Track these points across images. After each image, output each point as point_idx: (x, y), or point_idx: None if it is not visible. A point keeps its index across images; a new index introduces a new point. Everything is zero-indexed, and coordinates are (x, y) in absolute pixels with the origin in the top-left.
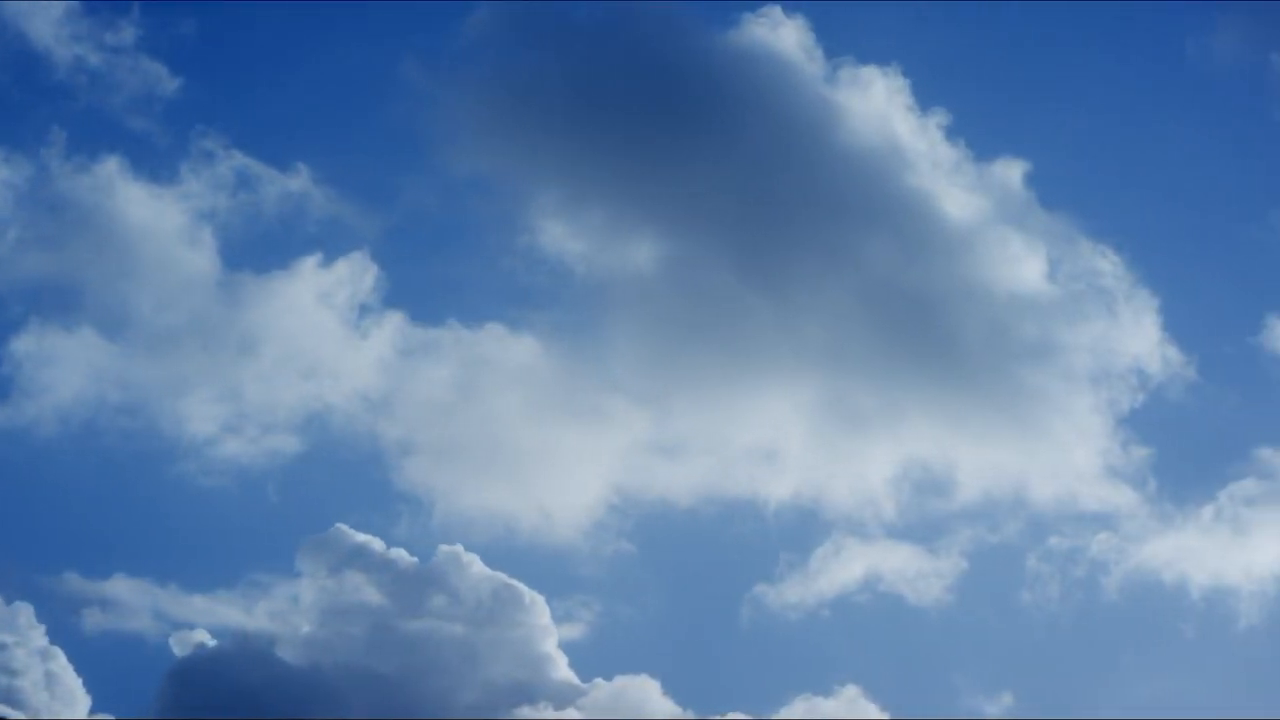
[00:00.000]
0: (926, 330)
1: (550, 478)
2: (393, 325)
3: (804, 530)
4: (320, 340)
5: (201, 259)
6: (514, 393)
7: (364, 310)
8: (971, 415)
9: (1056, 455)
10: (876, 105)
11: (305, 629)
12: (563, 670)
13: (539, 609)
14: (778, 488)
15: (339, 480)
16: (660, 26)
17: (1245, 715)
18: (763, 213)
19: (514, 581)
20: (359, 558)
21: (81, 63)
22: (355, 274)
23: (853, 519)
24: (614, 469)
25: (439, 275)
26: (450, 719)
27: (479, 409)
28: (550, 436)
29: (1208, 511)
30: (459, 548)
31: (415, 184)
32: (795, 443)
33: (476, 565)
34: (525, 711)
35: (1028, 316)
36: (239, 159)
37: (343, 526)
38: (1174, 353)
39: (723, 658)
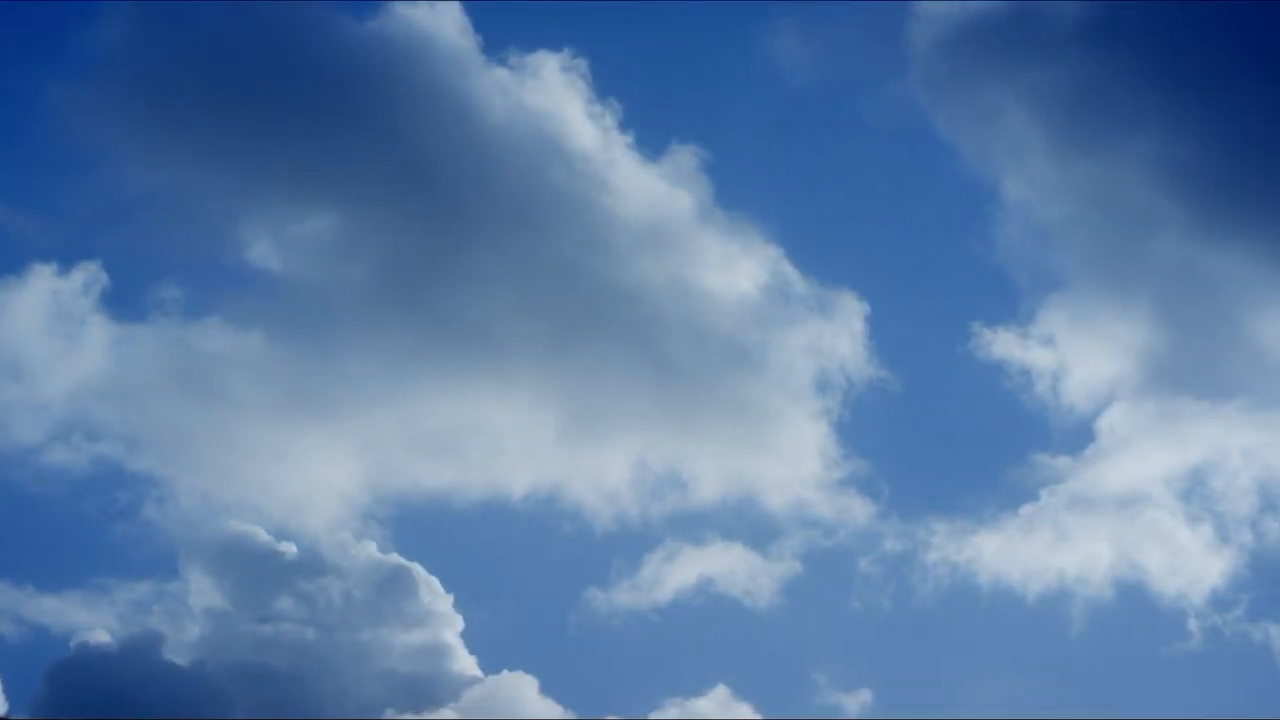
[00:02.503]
0: (633, 329)
1: (295, 473)
2: (106, 329)
3: (551, 523)
4: (33, 347)
5: None
6: (246, 389)
7: (69, 317)
8: (695, 419)
9: (783, 462)
10: (547, 94)
11: (190, 627)
12: (462, 662)
13: (438, 596)
14: (519, 482)
15: (85, 485)
16: (305, 15)
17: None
18: (446, 206)
19: (412, 564)
20: (242, 551)
21: None
22: (52, 282)
23: (597, 517)
24: (361, 463)
25: (137, 276)
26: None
27: (213, 405)
28: (290, 432)
29: (1008, 518)
30: (348, 534)
31: (85, 191)
32: (539, 439)
33: (369, 551)
34: (428, 711)
35: (733, 319)
36: None
37: (226, 521)
38: (884, 360)
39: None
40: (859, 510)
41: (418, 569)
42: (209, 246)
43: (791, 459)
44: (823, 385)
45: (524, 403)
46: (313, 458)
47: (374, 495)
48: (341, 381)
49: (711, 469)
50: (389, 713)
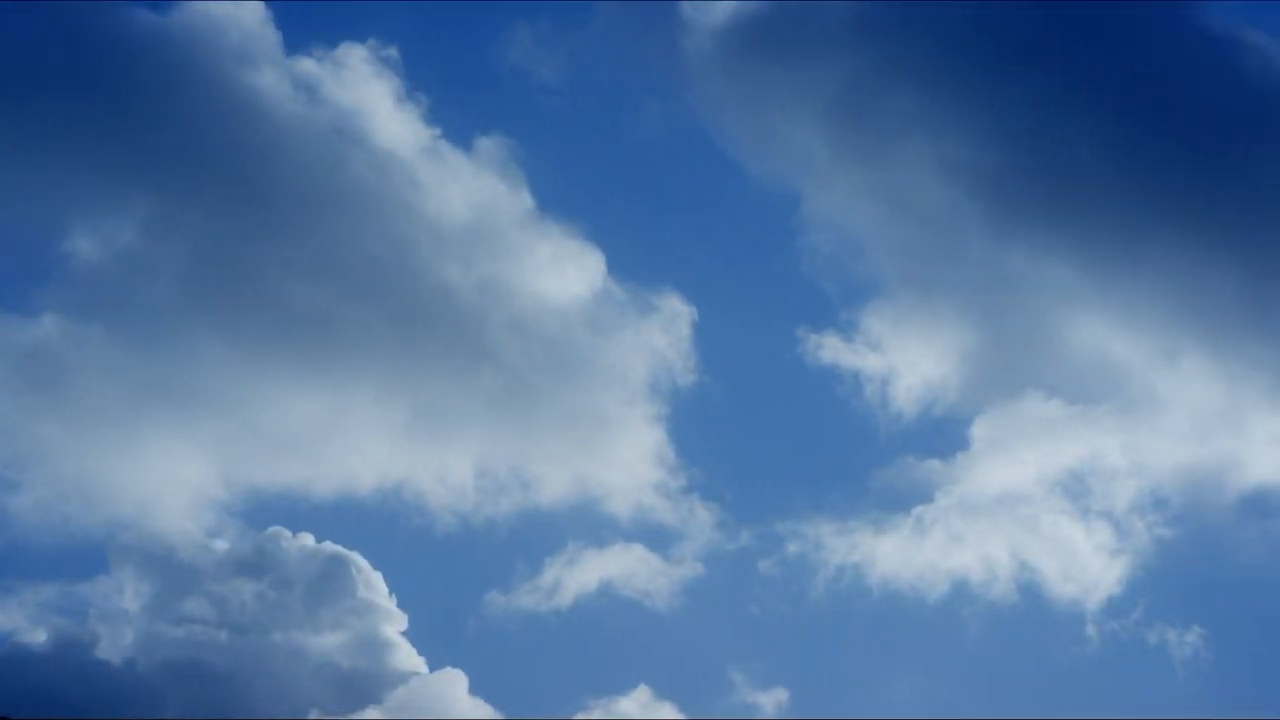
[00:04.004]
0: (462, 328)
1: (146, 469)
2: None
3: (403, 519)
4: None
5: None
6: (88, 385)
7: None
8: (532, 421)
9: (621, 466)
10: (354, 88)
11: (124, 626)
12: (402, 657)
13: (377, 588)
14: (365, 481)
15: None
16: (102, 11)
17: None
18: (249, 202)
19: (351, 552)
20: (176, 549)
21: None
22: None
23: (442, 516)
24: (211, 457)
25: None
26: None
27: (57, 402)
28: (139, 427)
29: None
30: (282, 528)
31: None
32: (383, 436)
33: (304, 542)
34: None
35: (560, 320)
36: None
37: (157, 520)
38: (714, 365)
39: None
40: (703, 515)
41: (358, 558)
42: (32, 244)
43: (629, 463)
44: (654, 389)
45: (367, 399)
46: (163, 453)
47: (228, 489)
48: (186, 375)
49: (552, 471)
50: (314, 713)
